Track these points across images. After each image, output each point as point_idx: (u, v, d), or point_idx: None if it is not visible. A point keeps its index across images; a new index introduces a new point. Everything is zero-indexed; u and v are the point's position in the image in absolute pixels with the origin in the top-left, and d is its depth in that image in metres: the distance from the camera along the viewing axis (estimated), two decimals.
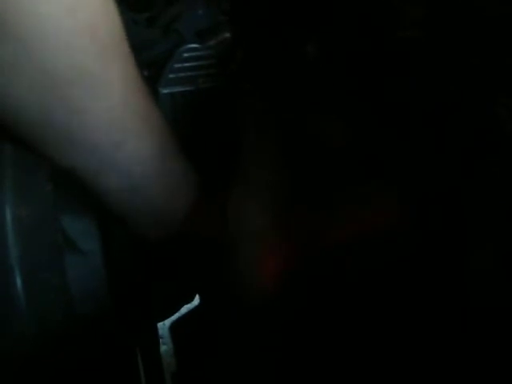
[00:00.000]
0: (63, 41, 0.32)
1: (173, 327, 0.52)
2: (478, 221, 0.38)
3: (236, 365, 0.44)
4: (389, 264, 0.41)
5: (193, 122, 0.48)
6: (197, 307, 0.51)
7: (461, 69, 0.40)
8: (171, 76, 0.48)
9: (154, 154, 0.40)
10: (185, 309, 0.52)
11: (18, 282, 0.37)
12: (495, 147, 0.38)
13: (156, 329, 0.52)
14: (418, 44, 0.42)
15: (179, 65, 0.48)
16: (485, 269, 0.38)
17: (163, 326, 0.54)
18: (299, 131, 0.46)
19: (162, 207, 0.42)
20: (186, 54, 0.48)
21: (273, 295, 0.42)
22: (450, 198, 0.40)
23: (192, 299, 0.51)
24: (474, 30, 0.40)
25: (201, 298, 0.51)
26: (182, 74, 0.48)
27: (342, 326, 0.41)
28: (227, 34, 0.49)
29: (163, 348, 0.53)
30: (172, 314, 0.52)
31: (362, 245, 0.41)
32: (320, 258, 0.42)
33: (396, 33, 0.43)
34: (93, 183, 0.39)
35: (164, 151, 0.40)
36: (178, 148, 0.42)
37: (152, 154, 0.39)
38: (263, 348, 0.43)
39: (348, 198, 0.44)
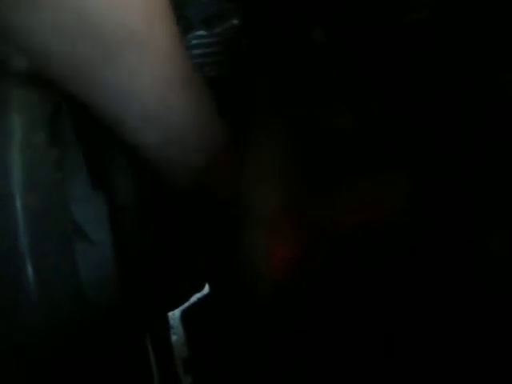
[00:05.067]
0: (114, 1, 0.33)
1: (183, 316, 0.52)
2: (492, 206, 0.38)
3: (245, 354, 0.44)
4: (400, 251, 0.40)
5: None
6: (207, 296, 0.51)
7: (472, 52, 0.40)
8: None
9: (194, 107, 0.41)
10: (195, 298, 0.52)
11: (29, 269, 0.37)
12: (508, 132, 0.38)
13: (167, 318, 0.52)
14: (429, 27, 0.42)
15: (187, 52, 0.48)
16: (498, 255, 0.37)
17: (173, 315, 0.54)
18: (309, 117, 0.46)
19: (195, 158, 0.43)
20: (193, 41, 0.48)
21: (283, 283, 0.42)
22: (462, 184, 0.39)
23: (202, 288, 0.51)
24: (485, 11, 0.39)
25: (211, 287, 0.50)
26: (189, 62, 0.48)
27: (354, 314, 0.41)
28: (234, 21, 0.49)
29: (174, 338, 0.53)
30: (182, 304, 0.52)
31: (374, 232, 0.41)
32: (331, 244, 0.42)
33: (406, 15, 0.42)
34: (132, 137, 0.41)
35: (202, 105, 0.42)
36: (211, 103, 0.44)
37: (193, 108, 0.41)
38: (273, 337, 0.43)
39: (359, 185, 0.44)
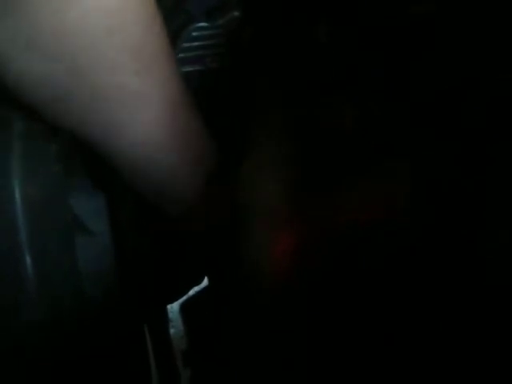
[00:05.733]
0: (104, 58, 0.33)
1: (182, 309, 0.52)
2: (492, 204, 0.38)
3: (244, 347, 0.44)
4: (401, 249, 0.40)
5: (201, 101, 0.48)
6: (206, 288, 0.51)
7: (472, 51, 0.40)
8: (180, 55, 0.48)
9: (192, 166, 0.41)
10: (193, 291, 0.51)
11: (28, 261, 0.37)
12: (508, 132, 0.38)
13: (165, 311, 0.52)
14: (430, 23, 0.41)
15: (188, 44, 0.48)
16: (500, 253, 0.37)
17: (172, 309, 0.54)
18: (309, 115, 0.46)
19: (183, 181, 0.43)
20: (194, 33, 0.48)
21: (282, 278, 0.42)
22: (462, 183, 0.39)
23: (201, 281, 0.51)
24: (485, 11, 0.39)
25: (210, 279, 0.50)
26: (190, 54, 0.48)
27: (354, 311, 0.41)
28: (236, 13, 0.49)
29: (172, 331, 0.53)
30: (181, 297, 0.52)
31: (374, 229, 0.41)
32: (332, 242, 0.42)
33: (409, 8, 0.42)
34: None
35: (200, 161, 0.42)
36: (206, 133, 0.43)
37: (190, 167, 0.41)
38: (272, 331, 0.43)
39: (359, 184, 0.44)
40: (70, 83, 0.33)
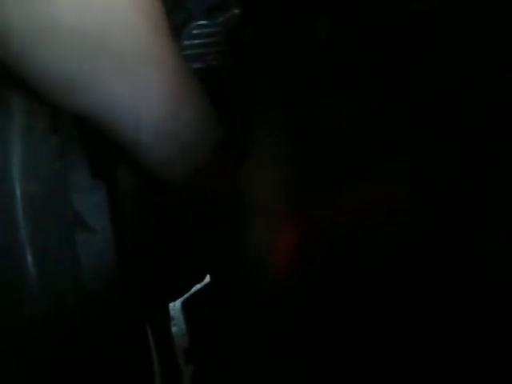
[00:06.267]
0: (119, 18, 0.35)
1: (184, 305, 0.52)
2: (492, 204, 0.38)
3: (245, 344, 0.44)
4: (401, 249, 0.40)
5: None
6: (208, 286, 0.51)
7: (472, 51, 0.40)
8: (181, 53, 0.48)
9: (201, 120, 0.43)
10: (195, 288, 0.51)
11: (29, 258, 0.37)
12: (509, 132, 0.38)
13: (167, 308, 0.52)
14: (432, 20, 0.41)
15: (188, 42, 0.48)
16: (500, 252, 0.37)
17: (174, 307, 0.54)
18: (310, 111, 0.46)
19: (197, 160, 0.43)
20: (195, 31, 0.48)
21: (283, 276, 0.42)
22: (462, 183, 0.39)
23: (203, 279, 0.51)
24: (485, 11, 0.39)
25: (212, 277, 0.50)
26: (190, 52, 0.48)
27: (355, 307, 0.41)
28: (236, 11, 0.49)
29: (174, 329, 0.53)
30: (183, 294, 0.52)
31: (374, 229, 0.41)
32: (333, 237, 0.42)
33: (411, 4, 0.42)
34: (145, 153, 0.41)
35: (206, 116, 0.43)
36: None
37: (201, 118, 0.42)
38: (272, 329, 0.43)
39: (359, 183, 0.43)
40: (92, 54, 0.35)
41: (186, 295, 0.51)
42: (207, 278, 0.51)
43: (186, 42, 0.48)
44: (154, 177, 0.43)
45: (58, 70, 0.35)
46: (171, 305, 0.53)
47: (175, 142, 0.41)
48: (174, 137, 0.41)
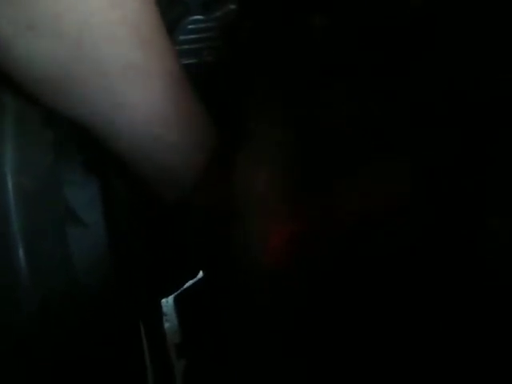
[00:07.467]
0: (106, 32, 0.34)
1: (176, 301, 0.52)
2: (495, 199, 0.38)
3: (238, 340, 0.44)
4: (403, 244, 0.40)
5: (197, 94, 0.48)
6: (200, 281, 0.51)
7: (472, 51, 0.40)
8: (176, 48, 0.47)
9: (193, 145, 0.42)
10: (187, 283, 0.51)
11: (21, 252, 0.37)
12: (508, 132, 0.38)
13: (160, 304, 0.52)
14: (432, 19, 0.41)
15: (184, 37, 0.48)
16: (502, 249, 0.37)
17: (166, 303, 0.54)
18: (307, 108, 0.46)
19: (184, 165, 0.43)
20: (191, 26, 0.48)
21: (279, 270, 0.41)
22: (462, 183, 0.39)
23: (196, 275, 0.51)
24: (485, 10, 0.39)
25: (205, 272, 0.50)
26: (186, 47, 0.48)
27: (355, 307, 0.41)
28: (232, 6, 0.49)
29: (166, 325, 0.53)
30: (176, 291, 0.52)
31: (376, 225, 0.41)
32: (332, 237, 0.42)
33: (408, 2, 0.42)
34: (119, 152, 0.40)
35: (200, 140, 0.42)
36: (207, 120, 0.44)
37: (191, 146, 0.41)
38: (267, 324, 0.43)
39: (361, 178, 0.43)
40: (72, 59, 0.34)
41: (179, 291, 0.51)
42: (200, 274, 0.51)
43: (182, 37, 0.48)
44: (148, 181, 0.43)
45: (40, 69, 0.34)
46: (164, 301, 0.53)
47: (160, 159, 0.40)
48: (159, 157, 0.40)
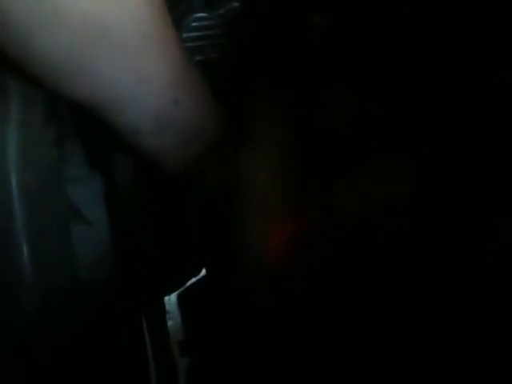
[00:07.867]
0: (121, 5, 0.35)
1: (180, 299, 0.52)
2: (495, 199, 0.38)
3: (241, 337, 0.44)
4: (403, 244, 0.40)
5: None
6: (203, 278, 0.51)
7: (472, 51, 0.40)
8: None
9: (202, 108, 0.43)
10: (190, 281, 0.51)
11: (25, 249, 0.37)
12: (508, 132, 0.38)
13: (163, 302, 0.52)
14: (432, 19, 0.41)
15: (188, 34, 0.48)
16: (502, 249, 0.37)
17: (169, 300, 0.54)
18: (307, 108, 0.46)
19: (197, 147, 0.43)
20: (194, 24, 0.48)
21: (280, 268, 0.42)
22: (462, 183, 0.39)
23: (199, 273, 0.51)
24: (485, 10, 0.39)
25: (208, 270, 0.50)
26: (190, 44, 0.48)
27: (355, 306, 0.41)
28: (236, 3, 0.49)
29: (170, 323, 0.53)
30: (179, 288, 0.52)
31: (375, 225, 0.41)
32: (332, 237, 0.42)
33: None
34: (146, 142, 0.41)
35: (207, 103, 0.44)
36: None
37: (200, 109, 0.43)
38: (269, 322, 0.43)
39: (361, 178, 0.43)
40: (96, 41, 0.35)
41: (182, 289, 0.51)
42: (203, 272, 0.51)
43: (186, 35, 0.48)
44: (154, 166, 0.43)
45: (59, 57, 0.35)
46: (167, 298, 0.53)
47: (176, 130, 0.41)
48: (175, 124, 0.41)
